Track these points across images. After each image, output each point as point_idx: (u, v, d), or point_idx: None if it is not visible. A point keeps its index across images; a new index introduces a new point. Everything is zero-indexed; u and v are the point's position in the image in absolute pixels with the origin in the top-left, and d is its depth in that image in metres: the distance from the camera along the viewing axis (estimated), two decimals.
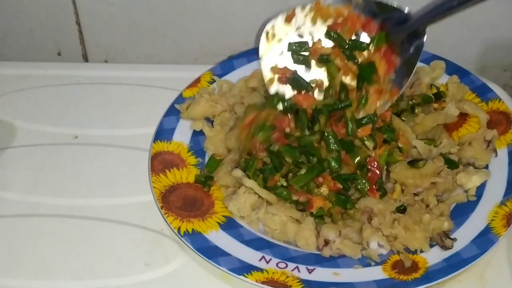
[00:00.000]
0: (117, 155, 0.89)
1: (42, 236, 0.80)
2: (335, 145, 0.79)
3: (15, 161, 0.89)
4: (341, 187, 0.78)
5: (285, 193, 0.79)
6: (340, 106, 0.82)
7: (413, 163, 0.80)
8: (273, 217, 0.78)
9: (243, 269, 0.74)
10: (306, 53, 0.87)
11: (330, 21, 0.86)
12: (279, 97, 0.85)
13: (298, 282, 0.73)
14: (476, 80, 0.91)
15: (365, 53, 0.84)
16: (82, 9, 1.03)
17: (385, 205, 0.78)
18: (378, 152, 0.80)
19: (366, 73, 0.83)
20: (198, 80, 0.94)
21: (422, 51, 0.80)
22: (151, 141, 0.87)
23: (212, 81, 0.94)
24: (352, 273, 0.74)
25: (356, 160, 0.79)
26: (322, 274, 0.74)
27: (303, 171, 0.78)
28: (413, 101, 0.85)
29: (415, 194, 0.79)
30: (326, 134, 0.79)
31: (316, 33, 0.87)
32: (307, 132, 0.81)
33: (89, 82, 0.99)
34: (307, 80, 0.87)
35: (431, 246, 0.76)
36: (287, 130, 0.81)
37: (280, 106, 0.84)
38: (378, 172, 0.79)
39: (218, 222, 0.79)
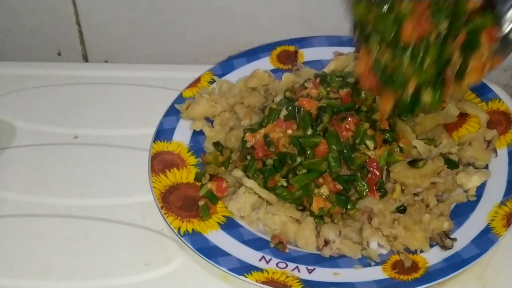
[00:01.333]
0: (117, 155, 0.89)
1: (42, 236, 0.80)
2: (336, 145, 0.79)
3: (15, 161, 0.89)
4: (341, 188, 0.78)
5: (285, 193, 0.79)
6: (343, 108, 0.82)
7: (413, 163, 0.80)
8: (273, 217, 0.78)
9: (243, 269, 0.74)
10: None
11: None
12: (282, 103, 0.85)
13: (298, 282, 0.73)
14: None
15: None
16: (82, 9, 1.03)
17: (385, 205, 0.78)
18: (378, 153, 0.80)
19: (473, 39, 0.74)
20: (198, 80, 0.94)
21: None
22: (151, 141, 0.87)
23: (212, 81, 0.94)
24: (352, 273, 0.74)
25: (355, 163, 0.79)
26: (322, 274, 0.74)
27: (303, 171, 0.78)
28: None
29: (415, 194, 0.79)
30: (328, 133, 0.79)
31: None
32: (310, 131, 0.80)
33: (89, 82, 0.99)
34: None
35: (431, 246, 0.76)
36: (289, 131, 0.81)
37: (284, 111, 0.83)
38: (378, 173, 0.79)
39: (218, 222, 0.79)
